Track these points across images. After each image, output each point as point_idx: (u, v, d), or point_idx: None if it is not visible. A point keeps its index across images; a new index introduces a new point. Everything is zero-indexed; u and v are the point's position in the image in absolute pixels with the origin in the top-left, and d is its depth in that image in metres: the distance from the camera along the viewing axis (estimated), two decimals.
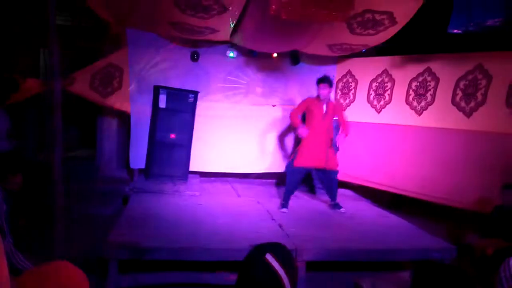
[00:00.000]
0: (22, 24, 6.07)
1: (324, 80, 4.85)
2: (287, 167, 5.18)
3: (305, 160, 4.91)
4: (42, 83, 5.09)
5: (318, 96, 4.94)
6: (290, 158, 5.10)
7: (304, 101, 5.11)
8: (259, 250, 1.22)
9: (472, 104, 4.89)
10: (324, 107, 4.94)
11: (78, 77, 5.41)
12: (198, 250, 3.42)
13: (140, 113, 5.77)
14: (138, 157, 5.84)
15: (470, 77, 4.95)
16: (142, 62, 5.76)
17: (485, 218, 4.13)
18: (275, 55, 6.20)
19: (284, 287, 1.15)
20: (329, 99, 5.02)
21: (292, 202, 5.09)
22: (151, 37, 5.63)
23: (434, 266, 1.49)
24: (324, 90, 4.85)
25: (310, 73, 6.50)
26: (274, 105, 6.51)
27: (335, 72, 6.54)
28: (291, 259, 1.24)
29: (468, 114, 4.91)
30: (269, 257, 1.17)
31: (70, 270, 1.24)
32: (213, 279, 3.45)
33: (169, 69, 5.94)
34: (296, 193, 5.90)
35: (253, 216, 4.56)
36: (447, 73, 5.19)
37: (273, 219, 4.41)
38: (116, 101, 5.68)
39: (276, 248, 1.23)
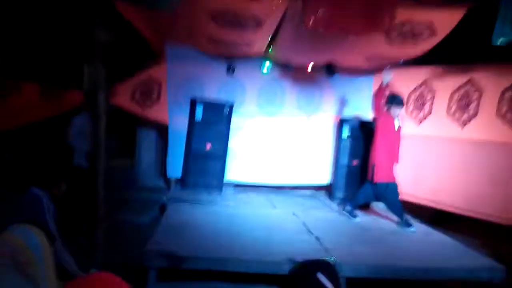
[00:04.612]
0: (68, 39, 6.38)
1: (402, 103, 4.94)
2: (366, 184, 5.07)
3: (386, 176, 4.87)
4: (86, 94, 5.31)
5: (389, 112, 4.92)
6: (371, 175, 4.97)
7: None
8: (309, 267, 1.25)
9: None
10: (397, 122, 4.95)
11: (119, 89, 5.60)
12: (235, 261, 3.40)
13: (177, 125, 5.88)
14: (175, 167, 5.94)
15: None
16: (179, 75, 5.90)
17: None
18: (309, 69, 6.18)
19: None
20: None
21: (329, 215, 4.96)
22: (188, 50, 5.76)
23: None
24: (398, 112, 4.92)
25: (346, 85, 6.46)
26: (309, 116, 6.48)
27: (372, 83, 6.43)
28: (338, 279, 1.26)
29: None
30: (320, 276, 1.20)
31: (117, 283, 1.20)
32: None
33: (206, 81, 6.05)
34: (333, 206, 5.80)
35: (289, 228, 4.50)
36: (492, 84, 4.97)
37: (310, 232, 4.33)
38: (155, 113, 5.82)
39: (325, 267, 1.26)
